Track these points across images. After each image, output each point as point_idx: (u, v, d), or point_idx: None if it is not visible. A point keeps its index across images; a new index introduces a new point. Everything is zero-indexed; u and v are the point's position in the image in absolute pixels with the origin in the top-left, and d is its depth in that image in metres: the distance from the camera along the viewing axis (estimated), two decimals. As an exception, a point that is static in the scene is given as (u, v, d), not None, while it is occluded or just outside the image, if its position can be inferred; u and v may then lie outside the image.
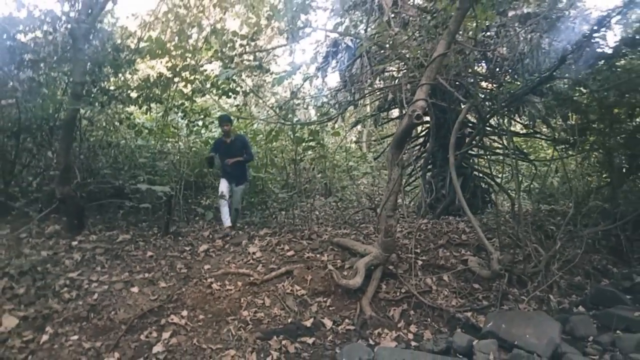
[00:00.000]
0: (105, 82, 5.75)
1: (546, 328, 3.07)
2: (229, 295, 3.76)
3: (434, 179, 6.52)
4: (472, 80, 5.05)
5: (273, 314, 3.60)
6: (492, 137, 6.96)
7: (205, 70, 6.06)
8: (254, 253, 4.34)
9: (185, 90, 6.15)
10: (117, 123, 6.01)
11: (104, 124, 6.18)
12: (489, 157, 6.26)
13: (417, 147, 7.23)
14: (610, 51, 5.06)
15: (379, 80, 7.06)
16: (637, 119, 6.00)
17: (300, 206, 6.01)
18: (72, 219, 4.80)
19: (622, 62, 5.43)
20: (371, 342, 3.33)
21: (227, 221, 5.15)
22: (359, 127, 9.63)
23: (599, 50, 5.11)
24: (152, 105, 6.09)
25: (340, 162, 7.38)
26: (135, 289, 3.72)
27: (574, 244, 5.08)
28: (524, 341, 2.96)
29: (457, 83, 4.95)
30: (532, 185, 7.45)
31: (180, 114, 6.43)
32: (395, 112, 7.81)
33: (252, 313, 3.58)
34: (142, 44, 5.84)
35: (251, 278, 3.91)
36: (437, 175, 6.60)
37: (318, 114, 6.58)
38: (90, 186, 5.29)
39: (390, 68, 6.84)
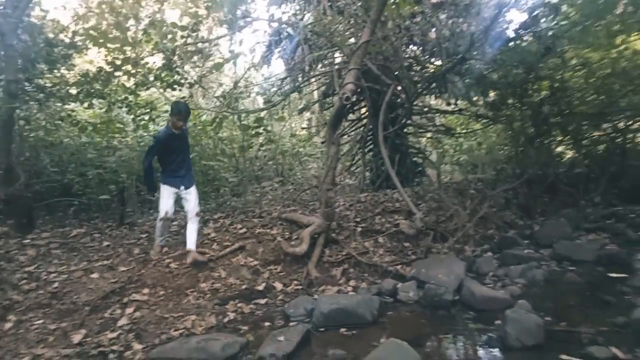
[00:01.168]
0: (41, 79, 5.75)
1: (454, 268, 3.83)
2: (187, 272, 4.17)
3: (375, 158, 7.22)
4: (400, 64, 5.70)
5: (229, 283, 4.07)
6: (426, 116, 7.78)
7: (147, 63, 6.21)
8: (208, 234, 4.77)
9: (128, 84, 6.27)
10: (58, 121, 6.04)
11: (44, 123, 6.17)
12: (419, 135, 7.06)
13: (360, 128, 7.84)
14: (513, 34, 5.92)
15: (321, 67, 7.57)
16: (542, 93, 7.05)
17: (252, 190, 6.46)
18: (21, 219, 4.91)
19: (524, 43, 6.35)
20: (316, 297, 3.92)
21: (161, 240, 4.46)
22: (308, 114, 10.16)
23: (505, 32, 5.93)
24: (94, 101, 6.17)
25: (289, 147, 7.87)
26: (95, 275, 4.02)
27: (489, 203, 5.99)
28: (437, 279, 3.68)
29: (386, 67, 5.56)
30: (460, 158, 8.45)
31: (124, 108, 6.53)
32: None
33: (210, 285, 4.02)
34: (77, 38, 5.88)
35: (207, 255, 4.34)
36: (377, 153, 7.27)
37: (265, 102, 6.99)
38: (35, 186, 5.38)
39: (332, 55, 7.38)
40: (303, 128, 8.39)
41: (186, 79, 6.11)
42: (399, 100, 6.53)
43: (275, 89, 7.04)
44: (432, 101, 7.96)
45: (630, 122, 7.02)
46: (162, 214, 4.23)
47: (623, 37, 6.30)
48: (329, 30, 5.63)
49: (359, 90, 6.40)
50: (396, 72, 5.86)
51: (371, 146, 7.42)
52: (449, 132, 7.18)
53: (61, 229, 5.06)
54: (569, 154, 8.02)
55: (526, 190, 6.39)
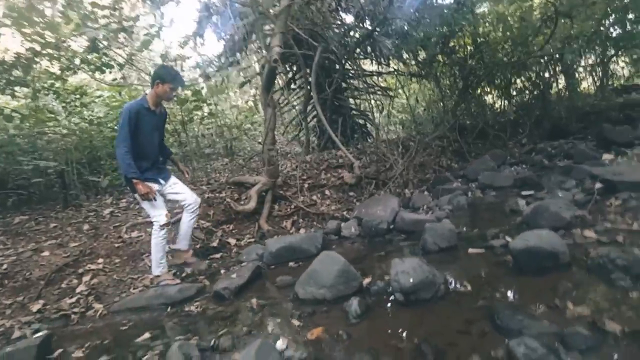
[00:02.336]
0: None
1: (390, 204, 4.34)
2: (140, 241, 4.38)
3: (319, 123, 7.58)
4: (328, 28, 6.04)
5: (184, 245, 4.34)
6: (364, 80, 8.22)
7: (70, 46, 6.09)
8: (158, 204, 4.95)
9: (52, 70, 6.13)
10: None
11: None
12: (359, 97, 7.53)
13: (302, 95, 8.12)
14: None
15: (255, 39, 7.74)
16: (468, 48, 7.71)
17: (200, 167, 6.65)
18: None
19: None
20: (267, 245, 4.29)
21: (162, 261, 3.49)
22: (252, 89, 10.29)
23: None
24: (17, 89, 5.98)
25: (233, 121, 8.06)
26: (46, 253, 4.12)
27: (426, 152, 6.62)
28: (375, 215, 4.17)
29: (315, 31, 5.88)
30: (402, 117, 9.06)
31: (52, 95, 6.40)
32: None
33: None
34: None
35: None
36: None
37: (201, 77, 7.10)
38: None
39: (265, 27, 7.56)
40: (246, 102, 8.57)
41: (115, 60, 6.08)
42: (334, 65, 6.92)
43: (210, 63, 7.16)
44: (369, 66, 8.40)
45: (545, 69, 7.86)
46: (162, 220, 3.34)
47: None
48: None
49: (293, 56, 6.72)
50: (325, 37, 6.16)
51: (314, 112, 7.78)
52: (387, 93, 7.70)
53: (2, 219, 5.02)
54: (499, 102, 8.84)
55: (459, 137, 7.08)
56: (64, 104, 6.50)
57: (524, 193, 4.36)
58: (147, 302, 3.16)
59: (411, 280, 2.21)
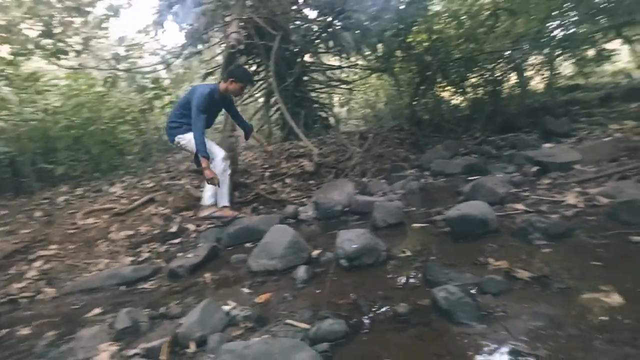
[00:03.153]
0: None
1: (346, 188, 4.48)
2: (95, 227, 4.30)
3: (282, 115, 7.65)
4: (288, 18, 6.13)
5: (141, 231, 4.30)
6: (325, 73, 8.37)
7: (21, 30, 5.86)
8: (114, 192, 4.87)
9: (3, 55, 5.87)
10: None
11: None
12: (320, 90, 7.67)
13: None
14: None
15: (217, 31, 7.69)
16: (425, 44, 8.00)
17: (159, 152, 6.56)
18: None
19: None
20: (226, 229, 4.32)
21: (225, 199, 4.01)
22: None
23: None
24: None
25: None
26: (-7, 240, 3.98)
27: (384, 144, 6.84)
28: (332, 199, 4.28)
29: (274, 21, 5.93)
30: (363, 112, 9.29)
31: (2, 82, 6.12)
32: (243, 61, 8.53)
33: (122, 234, 4.22)
34: None
35: (115, 210, 4.49)
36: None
37: (164, 65, 6.98)
38: None
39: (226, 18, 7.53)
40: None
41: (71, 46, 5.89)
42: (296, 57, 7.01)
43: (171, 53, 7.07)
44: (332, 61, 8.55)
45: (495, 65, 8.30)
46: (221, 154, 3.86)
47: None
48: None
49: (255, 48, 6.76)
50: (284, 26, 6.21)
51: (278, 105, 7.84)
52: (348, 86, 7.88)
53: (-54, 209, 4.77)
54: (455, 98, 9.23)
55: (417, 130, 7.37)
56: (17, 91, 6.23)
57: (470, 178, 4.63)
58: (100, 283, 3.14)
59: (354, 246, 2.34)
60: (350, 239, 2.41)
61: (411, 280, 2.06)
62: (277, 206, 4.91)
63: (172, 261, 3.24)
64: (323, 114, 8.09)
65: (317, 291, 2.17)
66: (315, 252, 2.76)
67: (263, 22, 5.38)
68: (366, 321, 1.72)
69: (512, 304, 1.60)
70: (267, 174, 5.53)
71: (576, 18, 8.57)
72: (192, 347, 1.74)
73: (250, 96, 7.96)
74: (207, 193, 3.88)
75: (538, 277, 1.77)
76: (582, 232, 2.22)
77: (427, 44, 7.73)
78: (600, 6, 8.43)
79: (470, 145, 7.00)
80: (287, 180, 5.45)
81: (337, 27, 6.63)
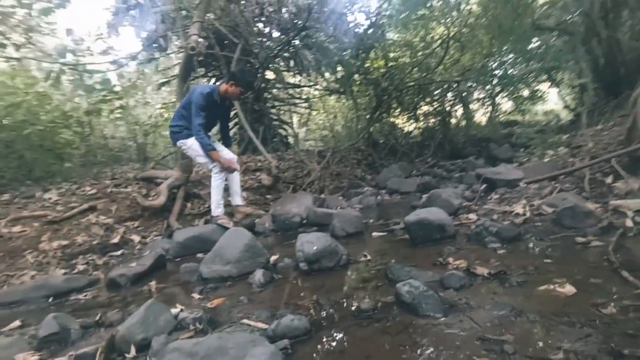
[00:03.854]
0: None
1: (304, 201, 4.42)
2: (23, 236, 3.83)
3: (241, 130, 7.51)
4: (250, 32, 6.13)
5: (77, 242, 3.89)
6: (286, 91, 8.41)
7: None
8: (49, 198, 4.42)
9: None
10: None
11: None
12: (279, 107, 7.68)
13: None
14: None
15: (177, 39, 7.51)
16: (381, 70, 8.34)
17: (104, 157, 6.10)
18: None
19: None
20: (175, 241, 4.05)
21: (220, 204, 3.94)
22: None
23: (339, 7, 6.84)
24: None
25: (148, 122, 7.59)
26: None
27: (342, 163, 6.92)
28: (290, 211, 4.20)
29: (237, 31, 5.89)
30: (322, 133, 9.40)
31: None
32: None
33: (54, 244, 3.79)
34: None
35: (49, 217, 4.05)
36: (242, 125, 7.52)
37: (115, 67, 6.63)
38: None
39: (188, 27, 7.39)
40: (164, 104, 8.17)
41: (8, 39, 5.42)
42: (257, 71, 6.99)
43: (124, 57, 6.77)
44: (292, 79, 8.64)
45: (444, 95, 8.85)
46: (210, 164, 3.78)
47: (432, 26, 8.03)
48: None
49: (215, 61, 6.67)
50: (246, 37, 6.19)
51: (235, 115, 7.70)
52: (307, 105, 7.97)
53: None
54: (408, 125, 9.66)
55: (372, 152, 7.55)
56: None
57: (424, 195, 4.77)
58: (23, 295, 2.76)
59: (315, 248, 2.26)
60: (310, 241, 2.32)
61: (373, 281, 2.00)
62: (231, 219, 4.72)
63: (113, 269, 2.94)
64: (282, 132, 8.06)
65: (276, 294, 2.05)
66: (273, 258, 2.63)
67: (225, 29, 5.33)
68: (328, 318, 1.62)
69: (474, 296, 1.59)
70: (221, 186, 5.32)
71: (511, 59, 9.45)
72: (133, 352, 1.54)
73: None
74: (213, 204, 3.90)
75: (496, 273, 1.79)
76: (531, 235, 2.32)
77: (383, 70, 8.08)
78: (534, 52, 9.37)
79: (423, 168, 7.28)
80: (244, 194, 5.27)
81: (297, 46, 6.74)
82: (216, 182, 3.82)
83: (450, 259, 2.04)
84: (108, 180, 4.92)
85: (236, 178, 4.02)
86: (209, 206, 4.78)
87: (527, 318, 1.33)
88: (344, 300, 1.80)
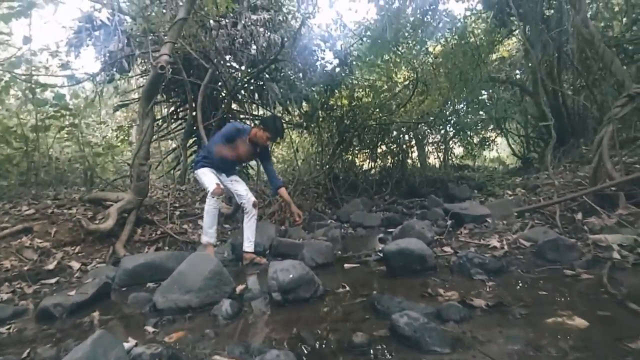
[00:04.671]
0: None
1: (267, 231, 4.15)
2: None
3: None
4: (221, 60, 6.00)
5: (5, 266, 3.32)
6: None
7: None
8: (-26, 217, 3.79)
9: None
10: None
11: None
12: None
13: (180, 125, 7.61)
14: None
15: (140, 63, 7.20)
16: (345, 109, 8.46)
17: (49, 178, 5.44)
18: None
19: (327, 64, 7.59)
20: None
21: (212, 233, 3.57)
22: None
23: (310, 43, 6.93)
24: None
25: (101, 143, 7.01)
26: None
27: (304, 196, 6.74)
28: (253, 240, 3.89)
29: (207, 57, 5.73)
30: (283, 166, 9.25)
31: None
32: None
33: (-28, 270, 3.19)
34: None
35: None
36: (200, 148, 7.16)
37: (69, 79, 6.12)
38: None
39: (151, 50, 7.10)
40: (119, 127, 7.64)
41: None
42: (222, 100, 6.83)
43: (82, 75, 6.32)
44: (256, 112, 8.51)
45: (402, 136, 9.13)
46: (211, 187, 3.42)
47: (396, 70, 8.40)
48: (145, 13, 5.49)
49: (180, 87, 6.42)
50: (215, 63, 6.04)
51: (195, 144, 7.35)
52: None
53: None
54: (366, 163, 9.79)
55: (333, 187, 7.48)
56: None
57: (390, 229, 4.68)
58: None
59: (291, 276, 2.01)
60: (286, 269, 2.08)
61: (357, 313, 1.78)
62: (185, 248, 4.30)
63: (46, 298, 2.46)
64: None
65: (247, 327, 1.76)
66: (239, 288, 2.33)
67: (196, 54, 5.15)
68: (317, 353, 1.37)
69: (479, 329, 1.43)
70: (177, 213, 4.91)
71: (464, 107, 10.09)
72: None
73: (167, 133, 7.37)
74: (203, 231, 3.61)
75: (494, 305, 1.66)
76: (516, 268, 2.24)
77: (346, 108, 8.21)
78: (485, 102, 10.10)
79: (382, 204, 7.28)
80: (200, 222, 4.88)
81: (265, 78, 6.68)
82: (207, 207, 3.50)
83: (441, 290, 1.89)
84: (49, 200, 4.34)
85: (252, 222, 3.68)
86: (161, 233, 4.35)
87: (549, 353, 1.19)
88: (330, 333, 1.56)
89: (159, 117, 7.27)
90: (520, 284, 1.99)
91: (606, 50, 3.29)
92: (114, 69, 6.63)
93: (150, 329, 1.84)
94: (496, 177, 8.64)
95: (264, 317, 1.88)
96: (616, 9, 7.11)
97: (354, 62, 7.55)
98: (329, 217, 5.99)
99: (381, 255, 2.99)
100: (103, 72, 6.63)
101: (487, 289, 1.94)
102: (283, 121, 8.34)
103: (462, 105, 9.90)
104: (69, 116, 5.32)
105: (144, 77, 7.69)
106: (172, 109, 7.77)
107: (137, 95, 8.61)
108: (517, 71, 9.25)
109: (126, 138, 7.18)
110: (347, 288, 2.17)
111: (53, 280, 3.27)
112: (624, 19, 6.97)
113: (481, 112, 10.51)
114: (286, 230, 4.76)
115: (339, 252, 3.55)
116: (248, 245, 3.60)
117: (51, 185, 5.44)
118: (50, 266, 3.42)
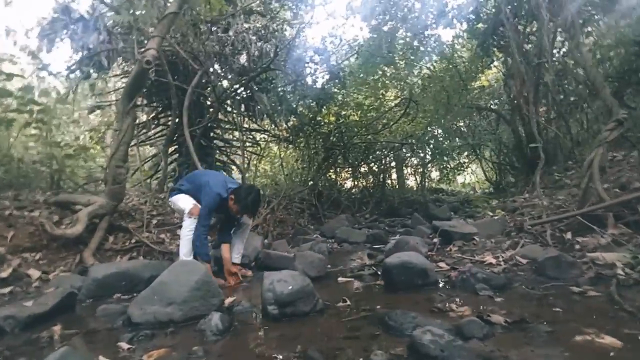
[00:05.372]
0: None
1: (253, 242, 3.89)
2: None
3: (179, 161, 6.77)
4: (210, 63, 5.78)
5: (-52, 274, 2.90)
6: (233, 133, 8.01)
7: None
8: None
9: None
10: None
11: None
12: (225, 149, 7.23)
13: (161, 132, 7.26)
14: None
15: (121, 63, 6.88)
16: (331, 125, 8.39)
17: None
18: None
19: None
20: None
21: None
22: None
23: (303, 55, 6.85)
24: None
25: (73, 145, 6.52)
26: None
27: (286, 210, 6.52)
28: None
29: (196, 58, 5.51)
30: (267, 181, 9.02)
31: None
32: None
33: None
34: None
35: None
36: (183, 154, 6.79)
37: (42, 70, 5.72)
38: None
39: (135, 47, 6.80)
40: (92, 129, 7.20)
41: None
42: (209, 108, 6.60)
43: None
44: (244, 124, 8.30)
45: (386, 157, 9.15)
46: (188, 206, 3.14)
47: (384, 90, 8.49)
48: (130, 5, 5.23)
49: (163, 91, 6.15)
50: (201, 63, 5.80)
51: (176, 151, 7.01)
52: (256, 150, 7.64)
53: None
54: (348, 181, 9.70)
55: (316, 203, 7.30)
56: None
57: (376, 246, 4.53)
58: None
59: (290, 288, 1.81)
60: (284, 279, 1.87)
61: (365, 329, 1.60)
62: (163, 260, 3.96)
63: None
64: (225, 173, 7.50)
65: (240, 344, 1.53)
66: (229, 300, 2.09)
67: (185, 54, 4.94)
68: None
69: (507, 348, 1.28)
70: (154, 221, 4.56)
71: (442, 134, 10.30)
72: None
73: (147, 139, 7.01)
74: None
75: (515, 322, 1.52)
76: (520, 284, 2.13)
77: (333, 125, 8.15)
78: (462, 129, 10.36)
79: (365, 222, 7.16)
80: (179, 232, 4.55)
81: (254, 89, 6.52)
82: (183, 231, 3.18)
83: (452, 306, 1.74)
84: (7, 201, 3.91)
85: (245, 233, 3.47)
86: (136, 242, 4.01)
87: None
88: (339, 352, 1.37)
89: (137, 122, 6.92)
90: (529, 300, 1.87)
91: (598, 75, 3.38)
92: (92, 65, 6.28)
93: (124, 345, 1.58)
94: (473, 199, 8.73)
95: (259, 333, 1.66)
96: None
97: (347, 78, 7.53)
98: (313, 232, 5.79)
99: (375, 269, 2.83)
100: (78, 69, 6.27)
101: (498, 305, 1.81)
102: (270, 133, 8.33)
103: (440, 131, 10.09)
104: (38, 113, 4.90)
105: (124, 79, 7.36)
106: (153, 114, 7.43)
107: (114, 98, 8.23)
108: (496, 100, 9.57)
109: (102, 141, 6.76)
110: (348, 302, 1.97)
111: (6, 290, 2.88)
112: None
113: (457, 139, 10.76)
114: (270, 243, 4.52)
115: (329, 266, 3.35)
116: (237, 257, 3.37)
117: (11, 187, 4.96)
118: (4, 274, 3.02)
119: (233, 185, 3.26)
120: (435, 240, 3.84)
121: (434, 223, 4.02)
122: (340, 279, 2.70)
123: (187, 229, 3.09)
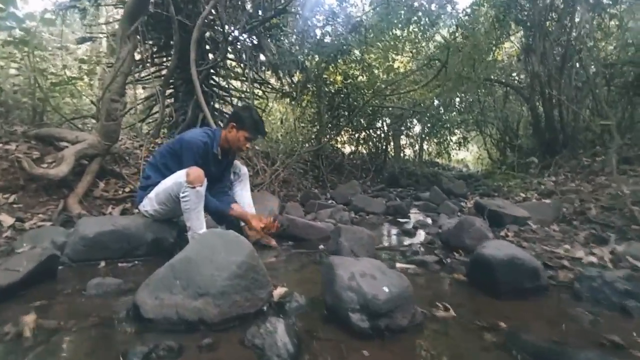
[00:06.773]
0: None
1: (269, 204, 3.24)
2: None
3: (175, 107, 5.88)
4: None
5: None
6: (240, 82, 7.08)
7: None
8: None
9: None
10: None
11: None
12: (224, 98, 6.34)
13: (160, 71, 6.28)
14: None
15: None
16: (337, 85, 7.53)
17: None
18: None
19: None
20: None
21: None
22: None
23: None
24: None
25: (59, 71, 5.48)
26: None
27: (290, 171, 5.81)
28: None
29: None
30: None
31: None
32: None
33: None
34: None
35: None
36: (180, 99, 5.92)
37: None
38: None
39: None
40: (82, 60, 6.11)
41: None
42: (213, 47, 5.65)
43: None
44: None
45: (390, 124, 8.47)
46: (182, 178, 2.11)
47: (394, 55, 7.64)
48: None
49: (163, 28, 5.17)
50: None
51: (171, 95, 6.08)
52: (261, 103, 6.79)
53: None
54: (347, 147, 9.01)
55: (320, 165, 6.63)
56: None
57: (399, 220, 3.95)
58: None
59: (387, 291, 1.17)
60: (370, 274, 1.23)
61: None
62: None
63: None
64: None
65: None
66: (278, 292, 1.43)
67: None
68: None
69: None
70: (151, 168, 3.80)
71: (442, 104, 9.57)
72: None
73: (146, 76, 5.99)
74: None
75: None
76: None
77: (338, 85, 7.31)
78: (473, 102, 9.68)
79: (371, 190, 6.56)
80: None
81: (262, 35, 5.58)
82: (186, 204, 2.14)
83: (612, 336, 1.14)
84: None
85: (247, 183, 2.79)
86: (130, 191, 3.26)
87: None
88: None
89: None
90: None
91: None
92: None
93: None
94: (485, 177, 8.24)
95: (345, 356, 1.03)
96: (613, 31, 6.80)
97: (367, 32, 6.62)
98: (322, 197, 5.15)
99: (437, 255, 2.23)
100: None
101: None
102: (273, 87, 7.39)
103: (439, 102, 9.31)
104: (20, 31, 3.90)
105: (119, 8, 6.22)
106: (147, 53, 6.36)
107: (106, 29, 7.05)
108: (509, 76, 8.84)
109: (93, 74, 5.76)
110: (451, 311, 1.36)
111: (-32, 240, 2.15)
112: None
113: (457, 112, 10.11)
114: (283, 206, 3.85)
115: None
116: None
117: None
118: (-34, 220, 2.28)
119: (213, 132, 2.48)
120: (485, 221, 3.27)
121: (477, 201, 3.42)
122: (398, 264, 2.08)
123: (191, 199, 2.13)
